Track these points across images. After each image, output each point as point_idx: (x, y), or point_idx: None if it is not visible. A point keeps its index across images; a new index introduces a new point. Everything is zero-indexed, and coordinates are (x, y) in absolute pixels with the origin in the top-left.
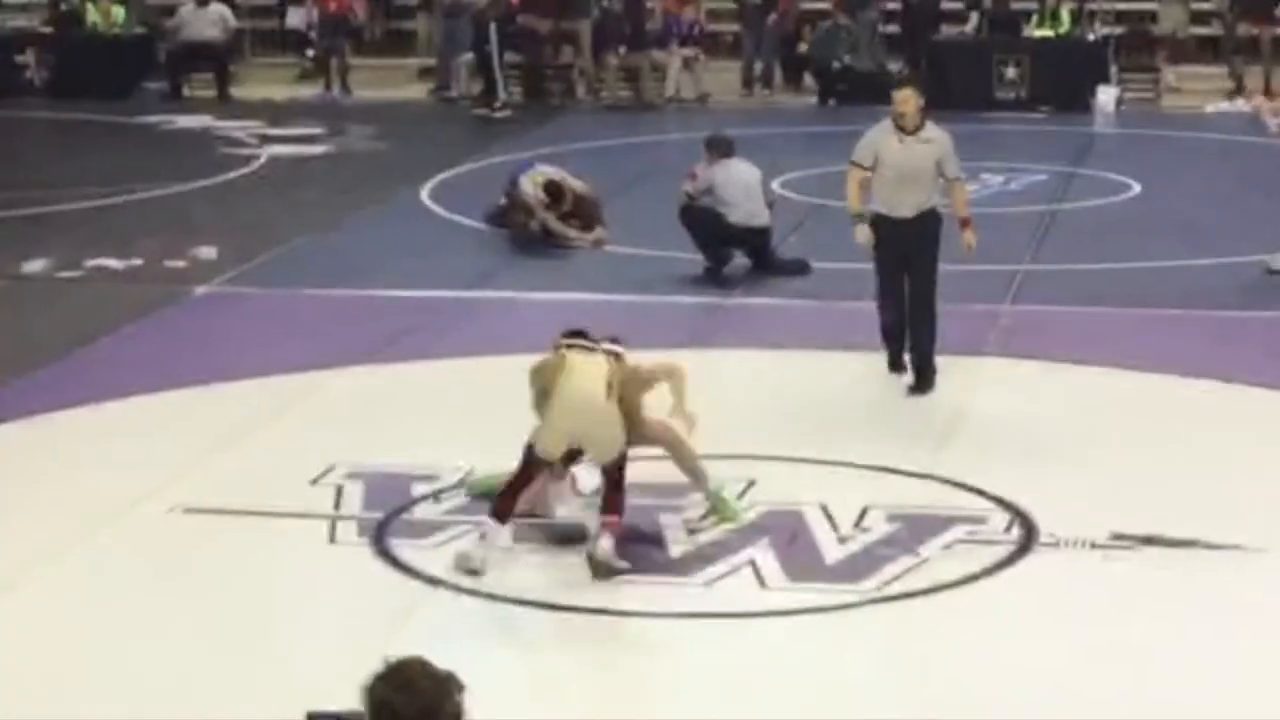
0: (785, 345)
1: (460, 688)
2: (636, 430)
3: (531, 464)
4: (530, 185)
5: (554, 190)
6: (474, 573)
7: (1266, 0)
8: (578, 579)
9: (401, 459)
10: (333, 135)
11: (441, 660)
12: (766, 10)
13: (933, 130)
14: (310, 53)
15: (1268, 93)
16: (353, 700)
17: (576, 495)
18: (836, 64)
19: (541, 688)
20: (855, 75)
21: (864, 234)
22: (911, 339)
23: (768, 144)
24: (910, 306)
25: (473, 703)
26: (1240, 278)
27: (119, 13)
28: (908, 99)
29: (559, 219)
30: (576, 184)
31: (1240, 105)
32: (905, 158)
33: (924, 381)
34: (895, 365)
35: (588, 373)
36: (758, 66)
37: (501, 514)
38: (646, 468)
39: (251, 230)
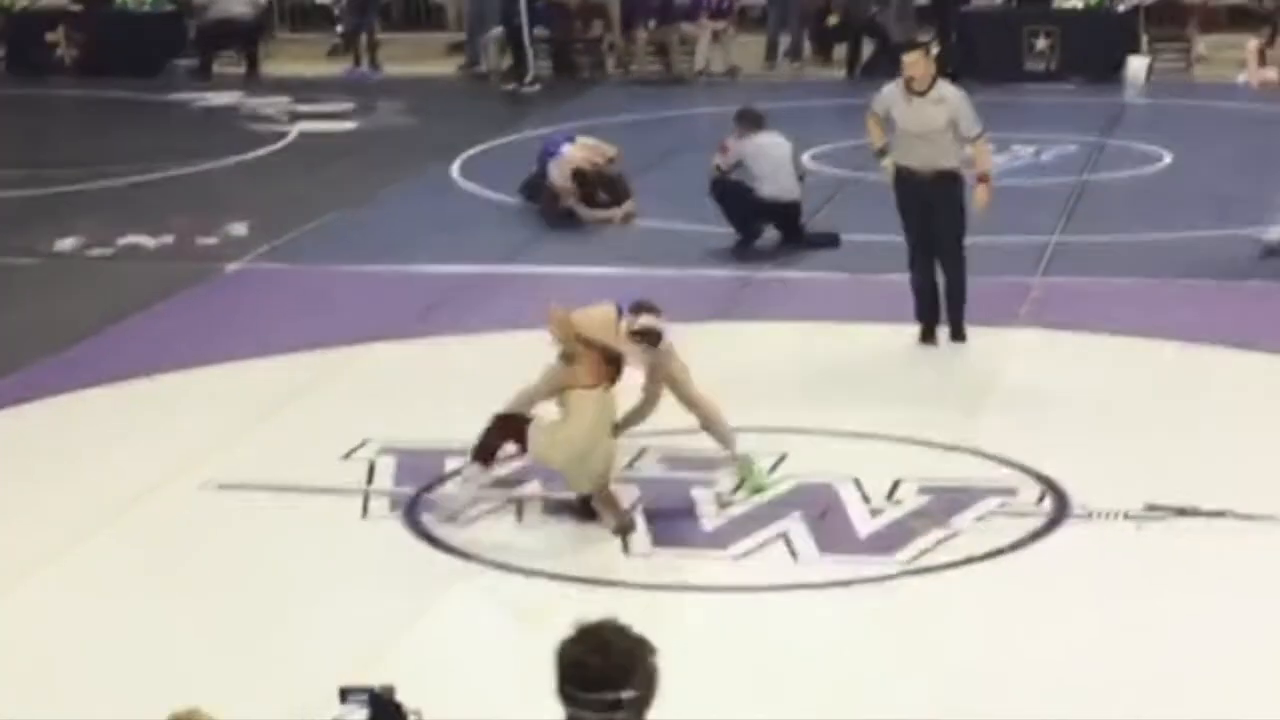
0: (816, 318)
1: (653, 650)
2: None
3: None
4: (559, 175)
5: (581, 177)
6: (452, 518)
7: None
8: (609, 554)
9: (434, 434)
10: (362, 111)
11: (472, 634)
12: None
13: (945, 89)
14: (339, 29)
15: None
16: (385, 675)
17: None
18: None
19: None
20: (886, 48)
21: (885, 163)
22: (946, 294)
23: (798, 117)
24: (941, 266)
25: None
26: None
27: None
28: (916, 62)
29: (586, 201)
30: (610, 151)
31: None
32: (915, 117)
33: (957, 333)
34: (927, 336)
35: (607, 415)
36: (785, 40)
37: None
38: (678, 441)
39: (282, 207)
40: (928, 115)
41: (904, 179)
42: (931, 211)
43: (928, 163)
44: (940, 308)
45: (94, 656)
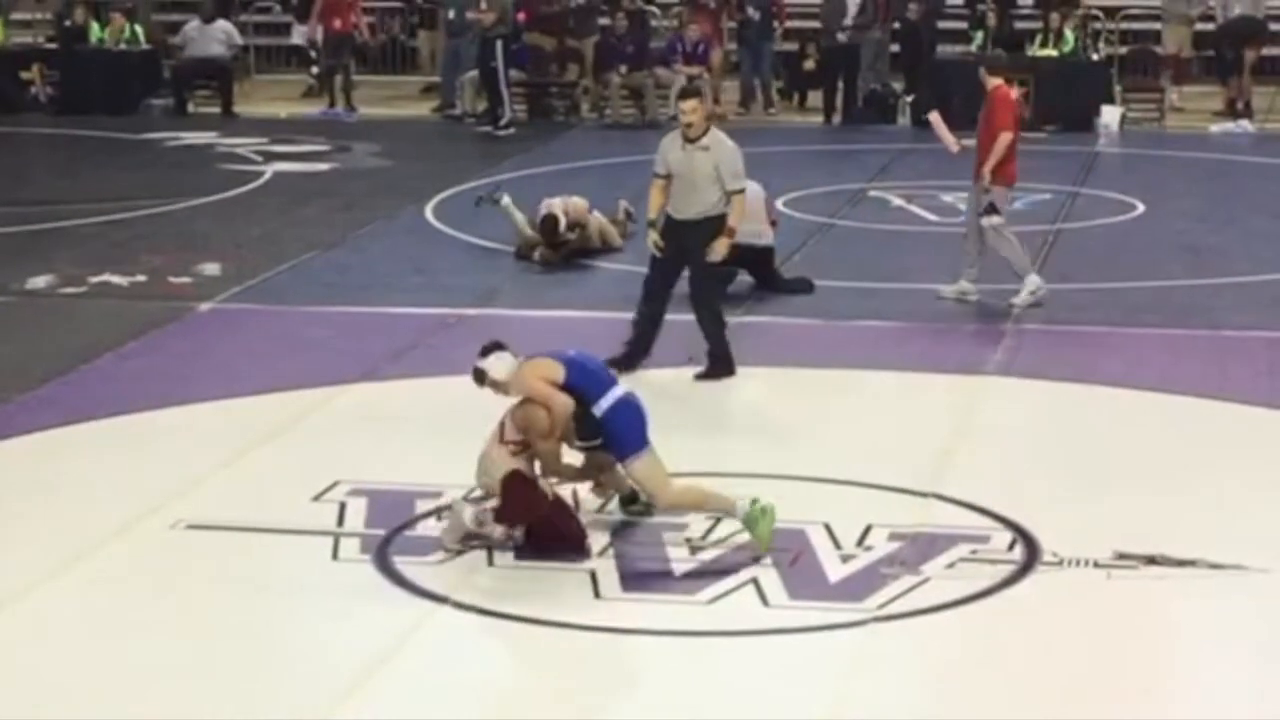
0: (789, 363)
1: None
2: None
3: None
4: (529, 226)
5: (550, 224)
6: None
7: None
8: (579, 598)
9: (405, 476)
10: (337, 152)
11: (441, 677)
12: (766, 29)
13: (716, 137)
14: (314, 70)
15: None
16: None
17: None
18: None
19: (543, 705)
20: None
21: (652, 238)
22: (705, 335)
23: (773, 162)
24: (693, 302)
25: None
26: (1243, 297)
27: (130, 29)
28: (695, 109)
29: (553, 246)
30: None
31: (1245, 126)
32: (685, 164)
33: (713, 369)
34: (625, 361)
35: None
36: (756, 85)
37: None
38: None
39: (256, 247)
40: (697, 162)
41: (669, 226)
42: (687, 255)
43: (693, 207)
44: (651, 345)
45: (61, 697)
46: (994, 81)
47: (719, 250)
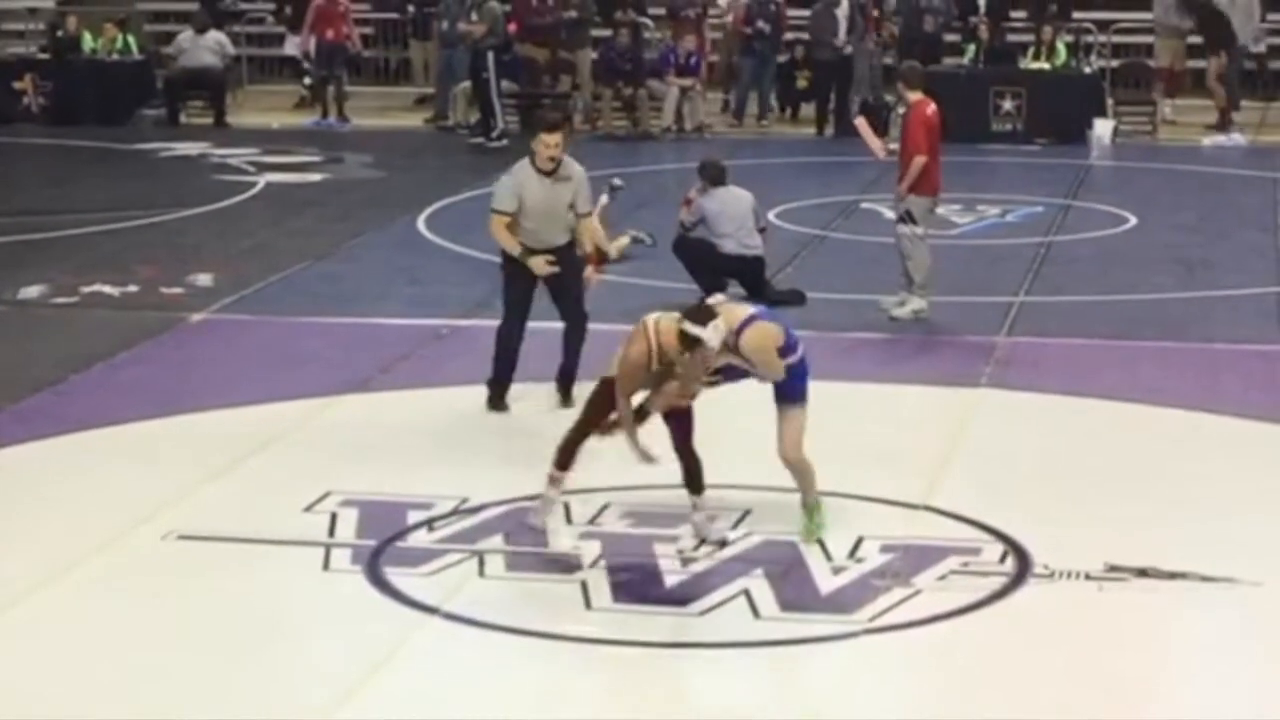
0: None
1: None
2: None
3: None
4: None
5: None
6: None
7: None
8: (570, 609)
9: (396, 487)
10: (329, 163)
11: (431, 688)
12: (776, 42)
13: (572, 167)
14: (307, 80)
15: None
16: None
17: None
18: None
19: (533, 717)
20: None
21: (539, 263)
22: (563, 356)
23: (765, 174)
24: (565, 328)
25: None
26: (1234, 310)
27: (123, 39)
28: (560, 142)
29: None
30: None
31: (1237, 139)
32: (547, 197)
33: (568, 397)
34: (496, 402)
35: None
36: (753, 98)
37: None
38: (640, 497)
39: (248, 257)
40: (558, 193)
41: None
42: (556, 279)
43: (556, 239)
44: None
45: (52, 706)
46: (912, 96)
47: (591, 277)
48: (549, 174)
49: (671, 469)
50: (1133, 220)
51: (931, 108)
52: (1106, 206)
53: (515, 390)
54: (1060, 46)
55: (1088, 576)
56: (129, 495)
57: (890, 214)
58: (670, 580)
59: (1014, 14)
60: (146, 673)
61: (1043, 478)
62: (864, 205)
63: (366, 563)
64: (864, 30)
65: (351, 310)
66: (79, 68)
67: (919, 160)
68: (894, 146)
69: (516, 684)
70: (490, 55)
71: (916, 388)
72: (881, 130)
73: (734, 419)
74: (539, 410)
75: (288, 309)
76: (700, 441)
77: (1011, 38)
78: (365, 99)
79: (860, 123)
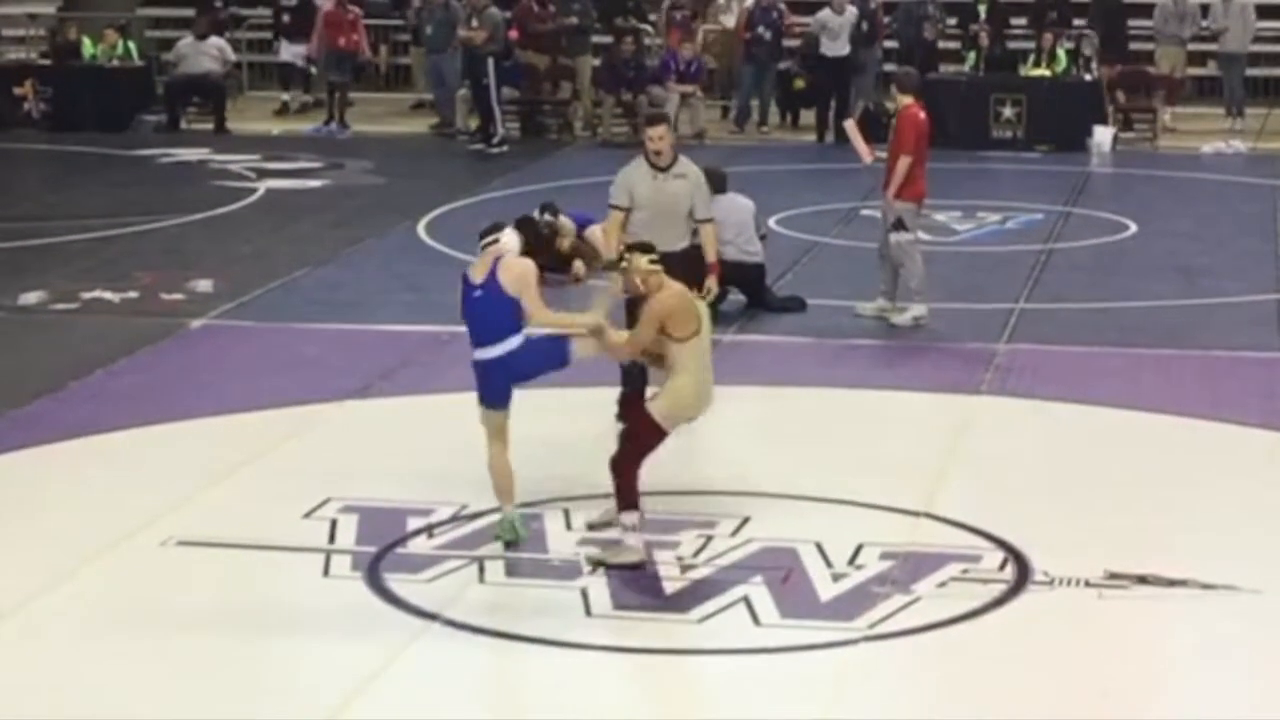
0: (781, 382)
1: None
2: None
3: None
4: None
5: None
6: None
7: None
8: (570, 616)
9: (396, 493)
10: (330, 169)
11: (431, 695)
12: (777, 49)
13: (687, 166)
14: (309, 87)
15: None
16: None
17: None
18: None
19: None
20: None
21: (617, 284)
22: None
23: (765, 180)
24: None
25: None
26: (1234, 318)
27: (123, 45)
28: (664, 135)
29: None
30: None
31: (1237, 146)
32: (659, 195)
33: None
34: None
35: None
36: (754, 104)
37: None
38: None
39: (248, 263)
40: (670, 191)
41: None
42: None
43: (670, 243)
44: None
45: (52, 711)
46: (904, 100)
47: (711, 286)
48: (662, 170)
49: (672, 474)
50: (1133, 227)
51: (922, 113)
52: (1106, 213)
53: (516, 396)
54: (1061, 53)
55: (1088, 584)
56: (129, 501)
57: None
58: (670, 587)
59: (1014, 21)
60: (144, 678)
61: (1043, 485)
62: (864, 212)
63: (366, 569)
64: (873, 35)
65: (352, 316)
66: (79, 73)
67: (904, 160)
68: (882, 154)
69: (516, 691)
70: (490, 61)
71: (916, 394)
72: (872, 138)
73: (732, 426)
74: (539, 417)
75: (288, 315)
76: (698, 448)
77: (1012, 45)
78: (365, 105)
79: (850, 125)
